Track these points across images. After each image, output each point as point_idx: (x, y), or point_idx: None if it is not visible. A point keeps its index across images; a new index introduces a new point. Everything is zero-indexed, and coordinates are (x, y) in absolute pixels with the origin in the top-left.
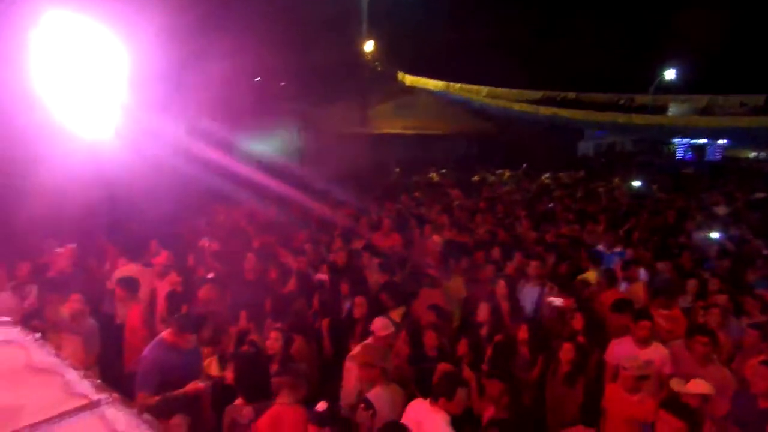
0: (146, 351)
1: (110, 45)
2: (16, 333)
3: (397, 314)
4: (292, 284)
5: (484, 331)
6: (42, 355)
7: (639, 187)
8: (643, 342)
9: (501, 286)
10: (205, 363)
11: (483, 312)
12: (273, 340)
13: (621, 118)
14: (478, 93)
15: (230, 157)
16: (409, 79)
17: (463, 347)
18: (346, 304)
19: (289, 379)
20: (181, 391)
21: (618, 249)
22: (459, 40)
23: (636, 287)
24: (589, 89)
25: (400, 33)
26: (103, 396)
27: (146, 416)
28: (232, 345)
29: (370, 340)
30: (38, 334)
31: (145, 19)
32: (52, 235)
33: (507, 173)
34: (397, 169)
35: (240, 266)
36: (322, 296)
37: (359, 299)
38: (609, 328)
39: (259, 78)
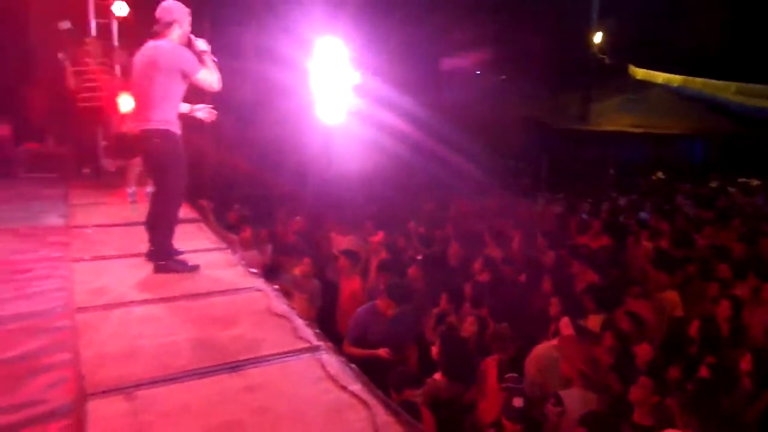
0: (359, 309)
1: (344, 49)
2: (261, 283)
3: (597, 320)
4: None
5: (692, 352)
6: (279, 303)
7: None
8: None
9: (724, 307)
10: None
11: (694, 330)
12: (469, 324)
13: None
14: (726, 89)
15: (447, 149)
16: (640, 73)
17: (674, 372)
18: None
19: (497, 341)
20: (367, 352)
21: None
22: (702, 29)
23: None
24: None
25: (633, 23)
26: (321, 343)
27: (353, 366)
28: (431, 324)
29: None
30: (276, 286)
31: (372, 22)
32: (290, 207)
33: (754, 182)
34: (612, 171)
35: (444, 251)
36: (513, 292)
37: (555, 299)
38: None
39: (479, 72)
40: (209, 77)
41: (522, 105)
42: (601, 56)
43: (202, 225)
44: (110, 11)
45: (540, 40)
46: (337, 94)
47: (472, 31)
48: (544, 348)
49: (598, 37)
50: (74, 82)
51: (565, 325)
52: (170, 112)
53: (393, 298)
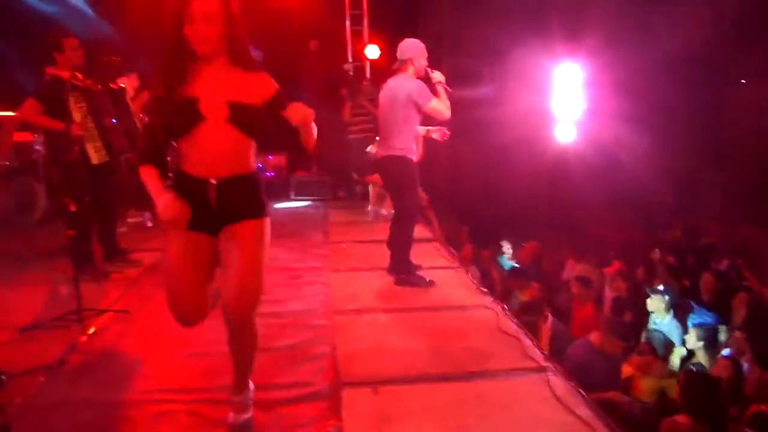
0: (572, 346)
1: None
2: (490, 302)
3: None
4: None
5: None
6: (508, 321)
7: None
8: None
9: None
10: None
11: None
12: (722, 366)
13: None
14: None
15: (693, 168)
16: None
17: None
18: None
19: None
20: (597, 395)
21: None
22: None
23: None
24: None
25: None
26: (550, 365)
27: (583, 391)
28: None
29: None
30: (505, 306)
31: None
32: (519, 230)
33: None
34: None
35: (696, 283)
36: None
37: None
38: None
39: (744, 80)
40: (440, 107)
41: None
42: None
43: (437, 244)
44: (364, 54)
45: None
46: (571, 116)
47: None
48: None
49: None
50: (349, 115)
51: None
52: (408, 140)
53: (618, 336)
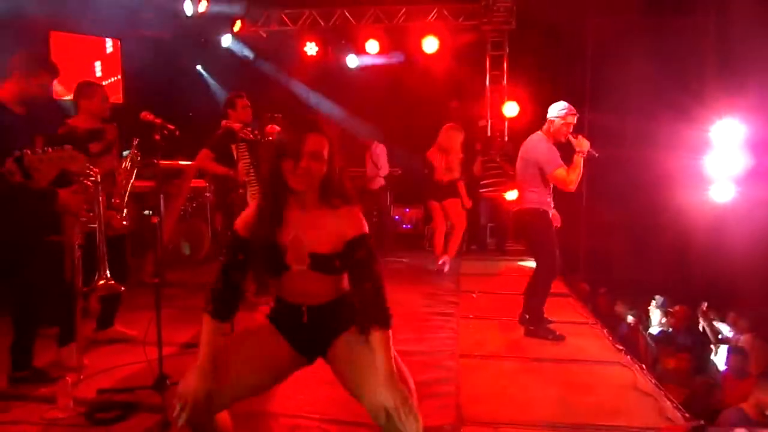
0: (724, 413)
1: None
2: (627, 360)
3: None
4: None
5: None
6: (646, 381)
7: None
8: None
9: None
10: None
11: None
12: None
13: None
14: None
15: None
16: None
17: None
18: None
19: None
20: None
21: None
22: None
23: None
24: None
25: None
26: (691, 427)
27: None
28: None
29: None
30: (643, 366)
31: None
32: (667, 293)
33: None
34: None
35: None
36: None
37: None
38: None
39: None
40: (565, 177)
41: None
42: None
43: (572, 300)
44: (502, 111)
45: None
46: (729, 175)
47: None
48: None
49: None
50: (480, 170)
51: None
52: (541, 195)
53: None
